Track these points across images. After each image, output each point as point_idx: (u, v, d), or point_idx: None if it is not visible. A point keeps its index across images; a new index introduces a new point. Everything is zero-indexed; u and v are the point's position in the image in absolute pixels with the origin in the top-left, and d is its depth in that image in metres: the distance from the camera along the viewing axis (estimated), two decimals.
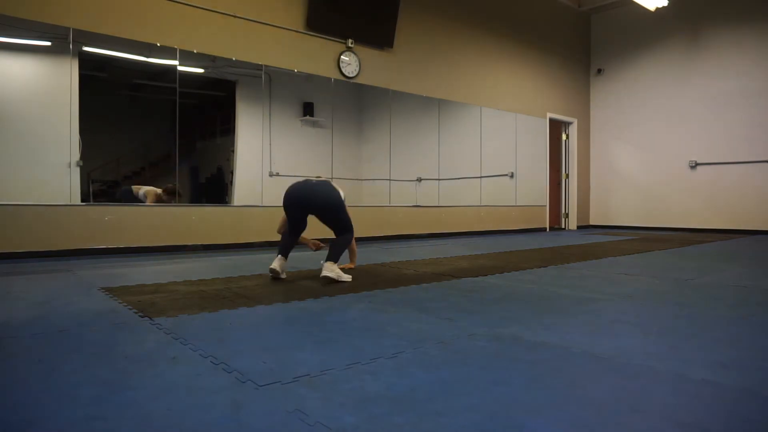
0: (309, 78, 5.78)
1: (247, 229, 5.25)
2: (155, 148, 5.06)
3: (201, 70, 5.08)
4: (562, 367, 1.47)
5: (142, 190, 4.79)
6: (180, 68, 4.85)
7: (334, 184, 3.15)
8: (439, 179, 7.06)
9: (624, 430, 1.07)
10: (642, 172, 8.83)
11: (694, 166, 8.19)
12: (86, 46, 4.37)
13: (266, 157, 5.48)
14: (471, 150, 7.48)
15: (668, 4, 7.43)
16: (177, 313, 2.12)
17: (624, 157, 9.09)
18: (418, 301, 2.40)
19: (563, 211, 9.20)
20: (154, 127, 5.05)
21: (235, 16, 5.15)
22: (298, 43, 5.65)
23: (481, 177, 7.58)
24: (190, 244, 4.85)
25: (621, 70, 9.11)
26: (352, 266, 3.52)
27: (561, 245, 5.65)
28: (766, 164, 7.51)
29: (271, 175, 5.47)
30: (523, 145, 8.20)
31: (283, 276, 3.03)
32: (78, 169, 4.32)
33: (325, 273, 2.86)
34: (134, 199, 4.72)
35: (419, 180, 6.87)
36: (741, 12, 7.75)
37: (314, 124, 5.91)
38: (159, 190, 4.83)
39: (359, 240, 6.09)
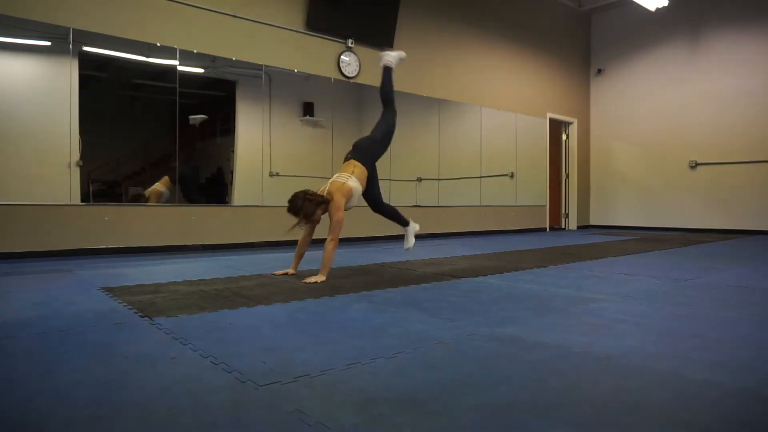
0: (309, 78, 5.78)
1: (247, 229, 5.25)
2: (155, 148, 5.06)
3: (201, 70, 5.08)
4: (562, 367, 1.47)
5: (146, 193, 4.83)
6: (180, 68, 4.85)
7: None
8: (439, 179, 7.06)
9: (624, 430, 1.07)
10: (642, 172, 8.83)
11: (694, 166, 8.19)
12: (86, 46, 4.36)
13: (266, 157, 5.48)
14: (471, 150, 7.48)
15: (668, 4, 7.42)
16: (177, 313, 2.12)
17: (624, 157, 9.08)
18: (418, 301, 2.40)
19: (563, 211, 9.20)
20: (154, 127, 5.05)
21: (235, 16, 5.15)
22: (298, 43, 5.65)
23: (481, 177, 7.58)
24: (190, 244, 4.85)
25: (621, 70, 9.10)
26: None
27: (561, 245, 5.65)
28: (766, 164, 7.51)
29: (271, 175, 5.47)
30: (523, 145, 8.19)
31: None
32: (78, 169, 4.31)
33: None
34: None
35: (419, 180, 6.86)
36: (741, 12, 7.74)
37: (314, 124, 5.91)
38: (159, 188, 4.84)
39: (359, 240, 6.09)
